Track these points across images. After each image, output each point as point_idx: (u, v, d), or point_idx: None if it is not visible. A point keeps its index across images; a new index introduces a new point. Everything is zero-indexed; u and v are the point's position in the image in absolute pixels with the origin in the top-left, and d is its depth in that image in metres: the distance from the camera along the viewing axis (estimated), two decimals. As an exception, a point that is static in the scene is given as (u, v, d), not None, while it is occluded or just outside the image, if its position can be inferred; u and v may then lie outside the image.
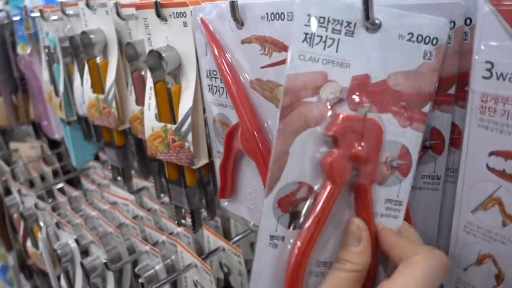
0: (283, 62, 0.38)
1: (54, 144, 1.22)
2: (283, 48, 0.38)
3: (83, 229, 0.73)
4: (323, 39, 0.31)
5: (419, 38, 0.30)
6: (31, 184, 1.02)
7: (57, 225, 0.74)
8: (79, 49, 0.73)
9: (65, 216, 0.82)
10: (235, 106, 0.43)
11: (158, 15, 0.50)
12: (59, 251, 0.74)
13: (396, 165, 0.31)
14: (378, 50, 0.31)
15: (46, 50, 0.86)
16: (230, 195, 0.50)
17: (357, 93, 0.31)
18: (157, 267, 0.65)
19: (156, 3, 0.49)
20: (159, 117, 0.55)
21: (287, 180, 0.33)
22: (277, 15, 0.37)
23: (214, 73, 0.46)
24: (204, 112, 0.51)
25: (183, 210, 0.61)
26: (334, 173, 0.32)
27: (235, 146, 0.46)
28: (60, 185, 0.94)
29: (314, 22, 0.31)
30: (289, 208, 0.33)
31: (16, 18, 0.92)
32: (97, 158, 1.00)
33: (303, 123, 0.32)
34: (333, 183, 0.32)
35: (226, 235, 0.72)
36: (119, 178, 0.75)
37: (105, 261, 0.62)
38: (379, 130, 0.31)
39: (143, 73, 0.61)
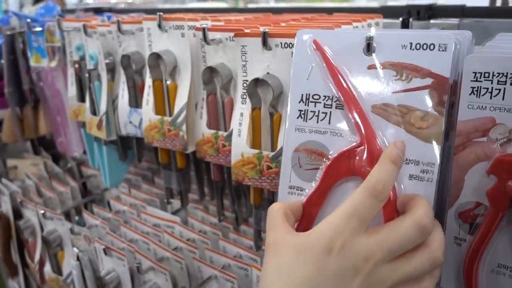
0: (426, 87, 0.39)
1: (54, 160, 1.15)
2: (428, 74, 0.39)
3: (135, 254, 0.70)
4: (489, 90, 0.37)
5: None
6: (45, 205, 0.95)
7: (105, 251, 0.71)
8: (131, 68, 0.71)
9: (100, 238, 0.78)
10: (360, 129, 0.41)
11: (264, 44, 0.50)
12: (107, 278, 0.70)
13: None
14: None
15: (77, 66, 0.82)
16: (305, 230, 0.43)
17: None
18: (225, 292, 0.64)
19: (264, 33, 0.50)
20: (253, 143, 0.55)
21: (465, 199, 0.40)
22: (425, 45, 0.39)
23: (316, 97, 0.44)
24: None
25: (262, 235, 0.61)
26: (491, 202, 0.38)
27: (337, 175, 0.42)
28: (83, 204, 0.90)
29: (479, 77, 0.37)
30: (468, 220, 0.40)
31: (37, 29, 0.87)
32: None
33: (476, 158, 0.38)
34: (493, 208, 0.38)
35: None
36: (171, 200, 0.73)
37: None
38: None
39: (219, 96, 0.60)
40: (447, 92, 0.39)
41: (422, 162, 0.39)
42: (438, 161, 0.38)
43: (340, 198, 0.41)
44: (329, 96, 0.42)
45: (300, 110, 0.44)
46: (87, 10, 1.12)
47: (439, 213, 0.45)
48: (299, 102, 0.44)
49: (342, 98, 0.42)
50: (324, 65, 0.43)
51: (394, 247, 0.33)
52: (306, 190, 0.42)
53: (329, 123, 0.43)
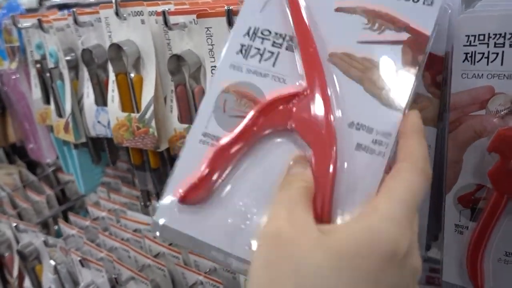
0: (399, 42, 0.32)
1: (32, 168, 1.09)
2: (405, 27, 0.32)
3: (114, 263, 0.65)
4: (485, 55, 0.32)
5: None
6: (19, 216, 0.90)
7: (81, 262, 0.66)
8: (94, 63, 0.65)
9: (78, 249, 0.73)
10: (309, 71, 0.33)
11: (230, 23, 0.45)
12: (86, 292, 0.65)
13: None
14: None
15: (38, 65, 0.76)
16: (202, 199, 0.32)
17: None
18: (213, 297, 0.60)
19: (228, 10, 0.44)
20: (227, 135, 0.50)
21: (464, 182, 0.36)
22: None
23: (265, 33, 0.36)
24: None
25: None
26: (494, 183, 0.34)
27: (267, 125, 0.33)
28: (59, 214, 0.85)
29: (473, 41, 0.32)
30: (469, 205, 0.37)
31: (-6, 30, 0.81)
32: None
33: (474, 134, 0.34)
34: (497, 191, 0.34)
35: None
36: (149, 203, 0.68)
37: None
38: None
39: (188, 86, 0.55)
40: (424, 52, 0.31)
41: (376, 131, 0.30)
42: (396, 131, 0.30)
43: (265, 157, 0.32)
44: (281, 34, 0.35)
45: (243, 45, 0.36)
46: (50, 7, 1.05)
47: (436, 199, 0.40)
48: (244, 36, 0.36)
49: (295, 33, 0.34)
50: None
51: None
52: None
53: (274, 66, 0.35)
